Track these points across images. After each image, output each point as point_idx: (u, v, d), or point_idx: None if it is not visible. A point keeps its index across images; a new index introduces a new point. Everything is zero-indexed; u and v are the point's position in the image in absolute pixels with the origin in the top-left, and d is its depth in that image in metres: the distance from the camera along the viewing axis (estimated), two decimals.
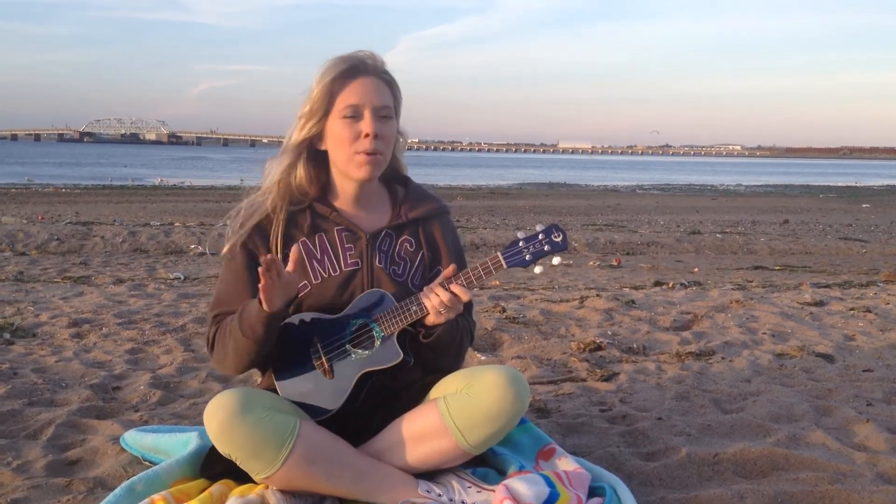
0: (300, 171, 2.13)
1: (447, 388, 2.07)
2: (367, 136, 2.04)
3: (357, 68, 2.07)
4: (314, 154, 2.15)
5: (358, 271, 2.13)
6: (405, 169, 2.29)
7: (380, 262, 2.14)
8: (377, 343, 2.05)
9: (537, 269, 1.99)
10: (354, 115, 2.06)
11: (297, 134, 2.11)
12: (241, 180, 31.79)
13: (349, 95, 2.06)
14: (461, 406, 1.98)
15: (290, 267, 1.95)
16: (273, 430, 1.91)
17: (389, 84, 2.11)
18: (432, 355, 2.12)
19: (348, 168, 2.10)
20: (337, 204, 2.18)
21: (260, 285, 1.89)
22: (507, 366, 2.07)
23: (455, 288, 1.99)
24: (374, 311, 2.06)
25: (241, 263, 2.11)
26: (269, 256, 1.87)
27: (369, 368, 2.05)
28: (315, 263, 2.12)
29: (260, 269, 1.87)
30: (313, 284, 2.11)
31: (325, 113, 2.08)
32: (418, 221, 2.22)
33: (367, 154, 2.06)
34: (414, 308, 2.01)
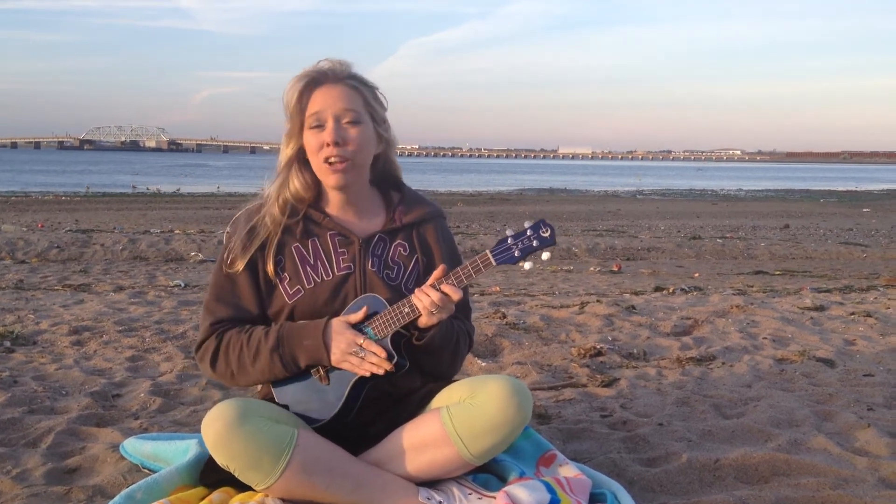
0: (294, 182, 2.16)
1: (450, 398, 2.07)
2: (328, 144, 2.07)
3: (317, 80, 2.11)
4: (306, 161, 2.16)
5: (350, 275, 2.13)
6: (400, 172, 2.30)
7: (373, 266, 2.14)
8: None
9: (527, 265, 1.99)
10: (318, 124, 2.09)
11: (284, 152, 2.16)
12: (218, 188, 31.88)
13: (312, 106, 2.10)
14: (464, 416, 1.98)
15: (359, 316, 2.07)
16: (271, 440, 1.91)
17: (355, 89, 2.12)
18: (428, 359, 2.12)
19: (322, 177, 2.13)
20: (329, 209, 2.19)
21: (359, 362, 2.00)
22: (511, 376, 2.07)
23: (445, 287, 1.99)
24: (368, 315, 2.06)
25: (244, 278, 2.13)
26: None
27: None
28: (308, 268, 2.13)
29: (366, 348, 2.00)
30: (306, 289, 2.11)
31: (300, 128, 2.12)
32: (412, 226, 2.22)
33: (331, 162, 2.08)
34: (406, 310, 2.01)
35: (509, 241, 1.99)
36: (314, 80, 2.10)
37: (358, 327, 2.05)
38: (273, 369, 2.05)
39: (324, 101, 2.08)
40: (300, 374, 2.09)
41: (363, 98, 2.12)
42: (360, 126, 2.10)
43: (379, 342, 2.03)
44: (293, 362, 2.04)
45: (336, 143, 2.06)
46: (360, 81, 2.13)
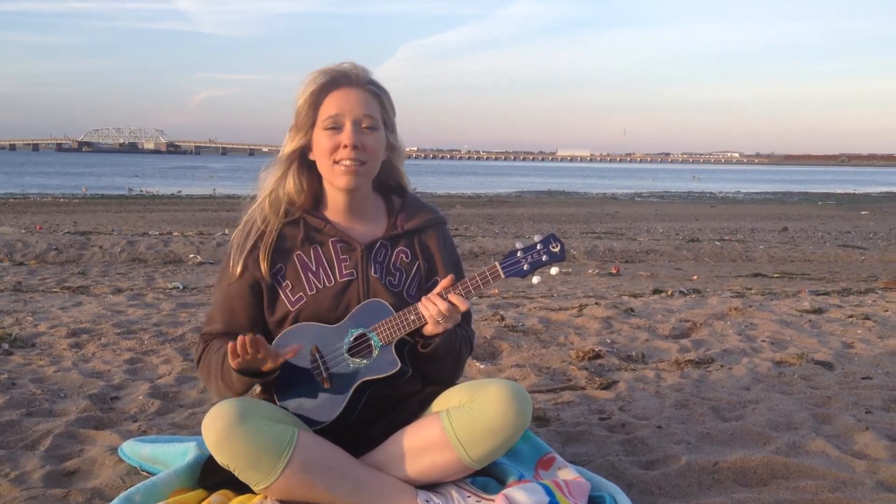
0: (290, 182, 2.15)
1: (450, 402, 2.07)
2: (345, 146, 2.06)
3: (338, 80, 2.10)
4: (307, 164, 2.16)
5: (353, 282, 2.13)
6: (406, 180, 2.29)
7: (375, 273, 2.14)
8: (375, 352, 2.05)
9: (535, 280, 2.00)
10: (335, 125, 2.08)
11: (287, 146, 2.15)
12: (214, 190, 31.89)
13: (330, 107, 2.08)
14: (464, 420, 1.98)
15: (289, 355, 2.00)
16: (271, 439, 1.91)
17: (375, 95, 2.12)
18: (430, 365, 2.12)
19: (331, 178, 2.12)
20: (330, 215, 2.19)
21: (231, 353, 1.94)
22: (511, 381, 2.07)
23: (453, 297, 1.99)
24: (373, 320, 2.06)
25: (237, 289, 2.14)
26: (254, 337, 1.92)
27: (367, 378, 2.05)
28: (310, 275, 2.13)
29: (238, 344, 1.92)
30: (309, 296, 2.11)
31: (311, 125, 2.11)
32: (414, 232, 2.22)
33: (346, 164, 2.07)
34: (412, 317, 2.02)
35: (519, 254, 1.99)
36: (334, 80, 2.09)
37: (363, 332, 2.06)
38: (225, 389, 2.09)
39: (344, 104, 2.08)
40: (301, 375, 2.10)
41: (381, 105, 2.13)
42: (377, 132, 2.11)
43: (383, 348, 2.04)
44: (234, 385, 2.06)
45: (354, 147, 2.06)
46: (379, 87, 2.14)
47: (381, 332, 2.04)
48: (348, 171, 2.08)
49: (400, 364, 2.03)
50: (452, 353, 2.12)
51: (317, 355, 2.08)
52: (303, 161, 2.16)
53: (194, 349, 2.19)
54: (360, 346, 2.06)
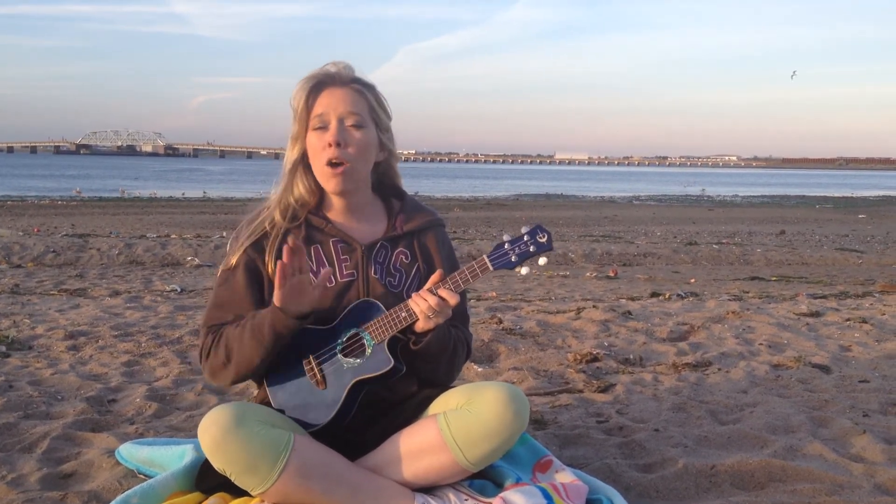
0: (299, 186, 2.17)
1: (447, 404, 2.07)
2: (329, 144, 2.07)
3: (324, 81, 2.12)
4: (311, 167, 2.17)
5: (354, 282, 2.13)
6: (401, 182, 2.30)
7: (375, 273, 2.15)
8: (368, 351, 2.05)
9: (523, 271, 2.00)
10: (322, 125, 2.10)
11: (288, 154, 2.17)
12: (204, 193, 31.89)
13: (317, 107, 2.11)
14: (461, 422, 1.98)
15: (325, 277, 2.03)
16: (267, 444, 1.91)
17: (360, 93, 2.13)
18: (425, 364, 2.12)
19: (322, 181, 2.14)
20: (331, 216, 2.20)
21: (277, 273, 1.94)
22: (508, 383, 2.07)
23: (442, 291, 1.99)
24: (365, 320, 2.07)
25: (240, 278, 2.13)
26: (292, 243, 1.95)
27: (361, 377, 2.05)
28: (311, 275, 2.13)
29: (283, 259, 1.94)
30: None
31: (306, 129, 2.13)
32: (413, 233, 2.23)
33: (332, 164, 2.08)
34: (403, 314, 2.02)
35: (506, 246, 2.00)
36: (321, 82, 2.12)
37: (356, 332, 2.05)
38: (252, 346, 2.01)
39: (329, 102, 2.10)
40: (295, 377, 2.09)
41: (368, 103, 2.14)
42: (364, 130, 2.11)
43: (376, 346, 2.04)
44: (260, 330, 2.00)
45: (338, 144, 2.07)
46: (365, 86, 2.15)
47: (374, 330, 2.04)
48: (334, 175, 2.09)
49: (393, 362, 2.03)
50: (446, 351, 2.12)
51: (310, 357, 2.08)
52: (306, 164, 2.17)
53: (200, 344, 2.12)
54: (353, 346, 2.06)
